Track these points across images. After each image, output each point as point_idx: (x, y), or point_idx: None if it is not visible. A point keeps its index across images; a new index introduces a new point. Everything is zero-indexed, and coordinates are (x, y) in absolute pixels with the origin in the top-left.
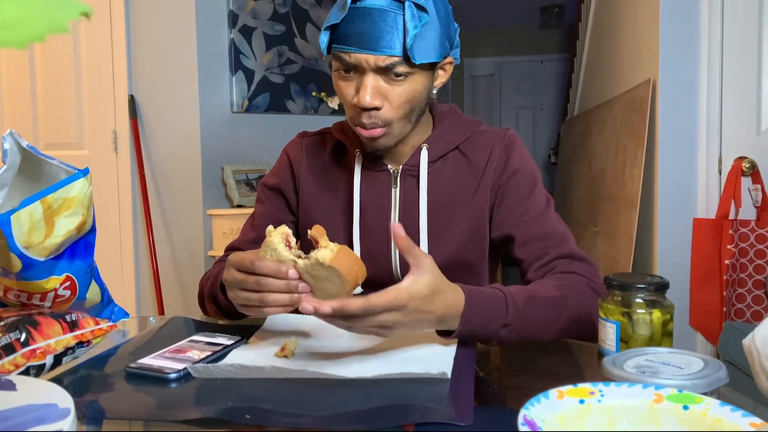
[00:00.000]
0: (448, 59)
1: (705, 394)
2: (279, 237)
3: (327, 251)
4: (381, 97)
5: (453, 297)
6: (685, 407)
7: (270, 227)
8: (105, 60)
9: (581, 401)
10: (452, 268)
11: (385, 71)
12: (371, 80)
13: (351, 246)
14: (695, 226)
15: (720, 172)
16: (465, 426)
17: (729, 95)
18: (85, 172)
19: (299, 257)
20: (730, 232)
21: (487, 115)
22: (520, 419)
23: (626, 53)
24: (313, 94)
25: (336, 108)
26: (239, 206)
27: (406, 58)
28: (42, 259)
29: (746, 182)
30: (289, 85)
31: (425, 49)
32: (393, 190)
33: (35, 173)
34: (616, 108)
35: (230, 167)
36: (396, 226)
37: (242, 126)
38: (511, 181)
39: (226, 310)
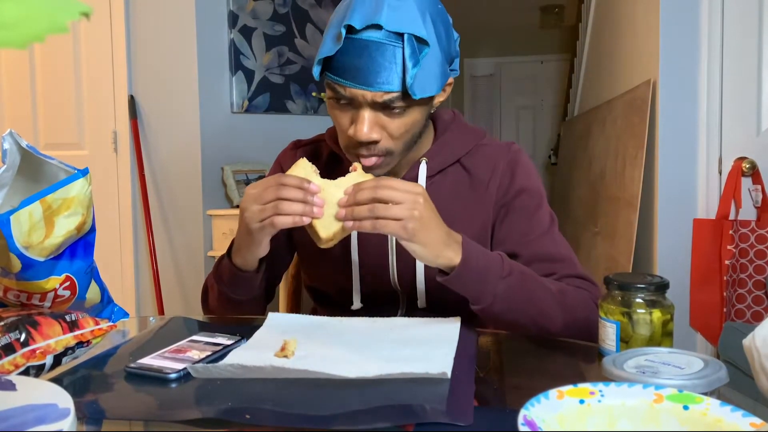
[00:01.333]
0: (449, 81)
1: (705, 394)
2: (309, 163)
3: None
4: (379, 129)
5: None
6: (685, 407)
7: (303, 158)
8: (105, 60)
9: (581, 401)
10: None
11: (382, 106)
12: (368, 114)
13: (348, 259)
14: (695, 227)
15: (720, 173)
16: (465, 426)
17: (729, 95)
18: (84, 172)
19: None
20: (731, 232)
21: (487, 115)
22: (520, 419)
23: (626, 53)
24: (313, 94)
25: None
26: (239, 206)
27: (405, 93)
28: (42, 259)
29: (746, 182)
30: (289, 85)
31: (426, 83)
32: None
33: (35, 173)
34: (616, 108)
35: (230, 167)
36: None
37: (242, 126)
38: (517, 199)
39: (228, 281)
